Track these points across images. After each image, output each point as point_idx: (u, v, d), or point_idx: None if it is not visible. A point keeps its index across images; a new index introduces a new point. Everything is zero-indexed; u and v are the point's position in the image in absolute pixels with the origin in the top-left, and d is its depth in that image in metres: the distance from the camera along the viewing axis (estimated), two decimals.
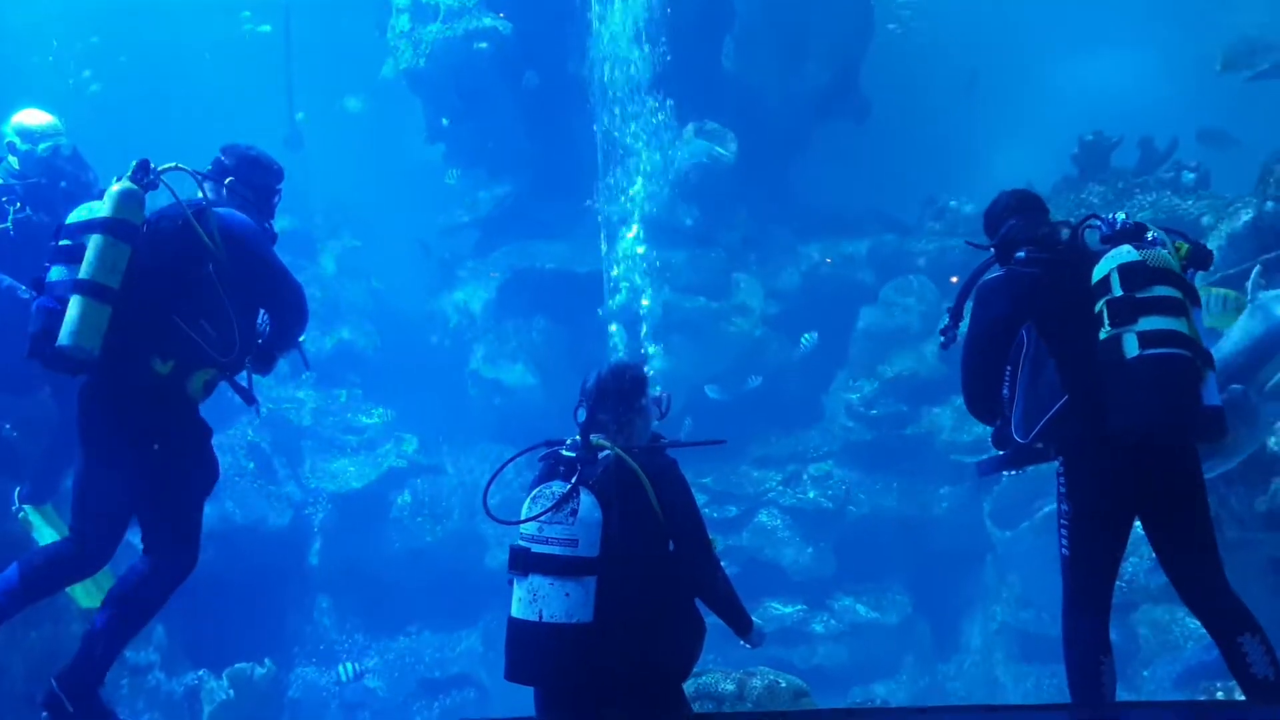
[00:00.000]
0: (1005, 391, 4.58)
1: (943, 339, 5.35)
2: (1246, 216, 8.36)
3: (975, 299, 4.68)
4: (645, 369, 4.80)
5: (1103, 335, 4.22)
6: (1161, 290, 4.20)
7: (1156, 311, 4.15)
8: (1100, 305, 4.27)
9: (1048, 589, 11.58)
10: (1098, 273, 4.37)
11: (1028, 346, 4.47)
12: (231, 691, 10.48)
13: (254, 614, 11.62)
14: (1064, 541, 4.39)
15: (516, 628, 4.07)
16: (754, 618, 4.57)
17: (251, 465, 12.17)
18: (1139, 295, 4.18)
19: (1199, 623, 4.41)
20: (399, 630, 12.74)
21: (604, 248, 12.19)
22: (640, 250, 12.26)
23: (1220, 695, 8.77)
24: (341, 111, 18.81)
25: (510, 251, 13.97)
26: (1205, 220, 9.45)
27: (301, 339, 5.33)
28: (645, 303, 12.01)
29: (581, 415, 4.39)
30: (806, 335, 12.82)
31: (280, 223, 5.28)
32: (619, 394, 4.42)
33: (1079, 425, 4.28)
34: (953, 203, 14.02)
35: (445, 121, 14.51)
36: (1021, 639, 11.88)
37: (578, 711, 4.13)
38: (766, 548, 12.63)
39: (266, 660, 11.09)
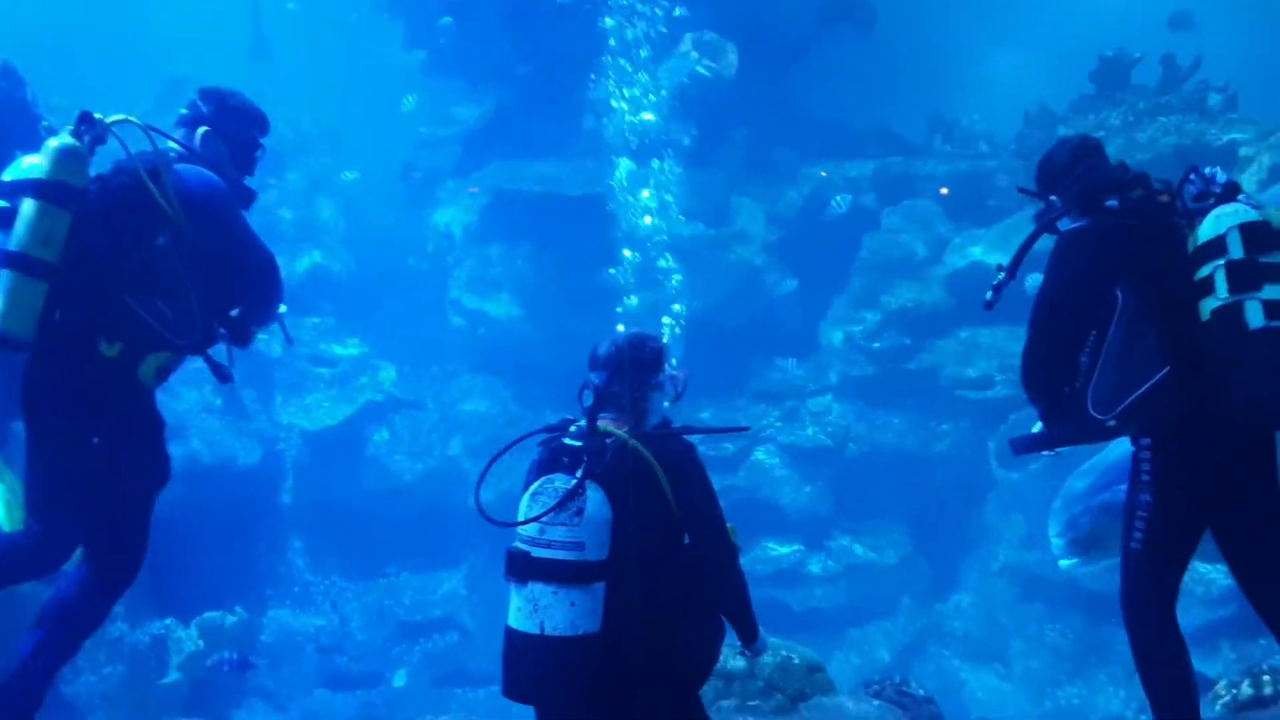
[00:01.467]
0: (1084, 359, 4.07)
1: (990, 296, 4.78)
2: None
3: (1057, 251, 4.15)
4: (663, 340, 4.29)
5: (1215, 303, 3.71)
6: None
7: None
8: (1211, 268, 3.76)
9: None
10: (1206, 231, 3.85)
11: (1123, 307, 3.95)
12: (201, 642, 10.06)
13: (224, 558, 11.17)
14: (1137, 535, 3.91)
15: (515, 641, 3.61)
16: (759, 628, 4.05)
17: (219, 401, 11.63)
18: (1264, 259, 3.67)
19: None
20: (377, 572, 12.35)
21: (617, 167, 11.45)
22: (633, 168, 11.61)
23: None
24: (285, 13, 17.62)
25: (495, 171, 13.22)
26: (1243, 151, 8.92)
27: (282, 310, 4.73)
28: (648, 220, 11.37)
29: (588, 398, 3.85)
30: (839, 198, 12.27)
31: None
32: (637, 368, 3.89)
33: (1180, 402, 3.79)
34: (964, 121, 13.40)
35: (447, 20, 13.41)
36: (1025, 580, 11.62)
37: None
38: (764, 486, 12.28)
39: (238, 608, 10.68)
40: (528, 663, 3.58)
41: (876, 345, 12.46)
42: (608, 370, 3.85)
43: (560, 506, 3.57)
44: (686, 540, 3.74)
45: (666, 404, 4.01)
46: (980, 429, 11.89)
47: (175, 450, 10.81)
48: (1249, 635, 8.38)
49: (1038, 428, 4.35)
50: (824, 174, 13.33)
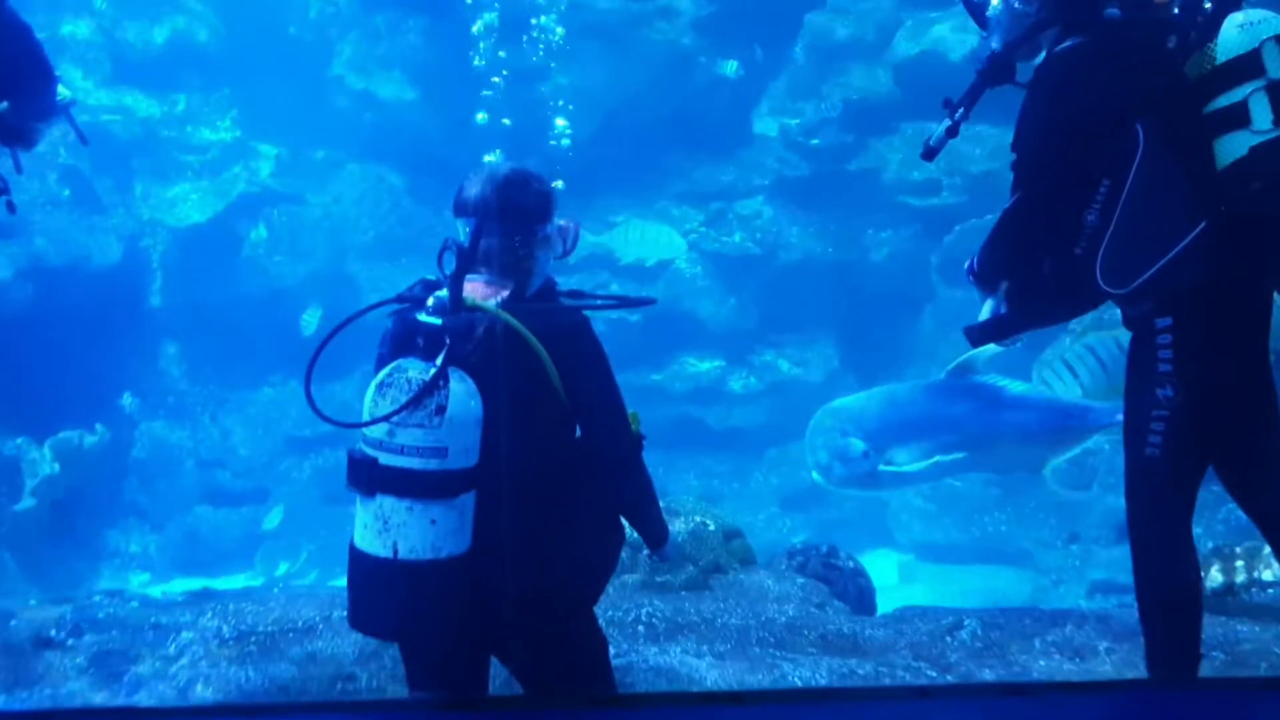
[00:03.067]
0: (1091, 218, 3.26)
1: (934, 141, 3.90)
2: None
3: (1054, 77, 3.27)
4: (552, 183, 3.38)
5: (1253, 139, 2.90)
6: None
7: None
8: (1242, 94, 2.92)
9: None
10: (1230, 45, 3.01)
11: (1144, 152, 3.12)
12: (56, 465, 9.25)
13: (84, 367, 10.24)
14: (1154, 440, 3.20)
15: (363, 565, 2.99)
16: (668, 524, 3.57)
17: (66, 193, 10.36)
18: None
19: None
20: (261, 382, 11.48)
21: None
22: None
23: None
24: None
25: None
26: None
27: (66, 97, 4.31)
28: None
29: (450, 262, 3.07)
30: (730, 64, 11.15)
31: None
32: (516, 217, 3.19)
33: (1219, 265, 3.02)
34: None
35: None
36: None
37: (455, 667, 3.19)
38: (684, 298, 11.49)
39: (98, 425, 9.84)
40: (380, 591, 3.00)
41: (815, 142, 11.46)
42: (477, 219, 3.16)
43: (415, 403, 2.92)
44: (578, 434, 3.20)
45: (554, 261, 3.32)
46: (923, 239, 11.13)
47: (15, 250, 9.55)
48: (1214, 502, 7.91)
49: (988, 309, 3.63)
50: None
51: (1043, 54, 3.44)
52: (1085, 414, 6.71)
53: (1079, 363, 7.19)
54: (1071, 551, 9.65)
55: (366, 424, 2.94)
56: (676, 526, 5.76)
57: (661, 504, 5.96)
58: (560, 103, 11.18)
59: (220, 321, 11.15)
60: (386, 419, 2.90)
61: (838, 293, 11.58)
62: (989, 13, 3.62)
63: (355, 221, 11.54)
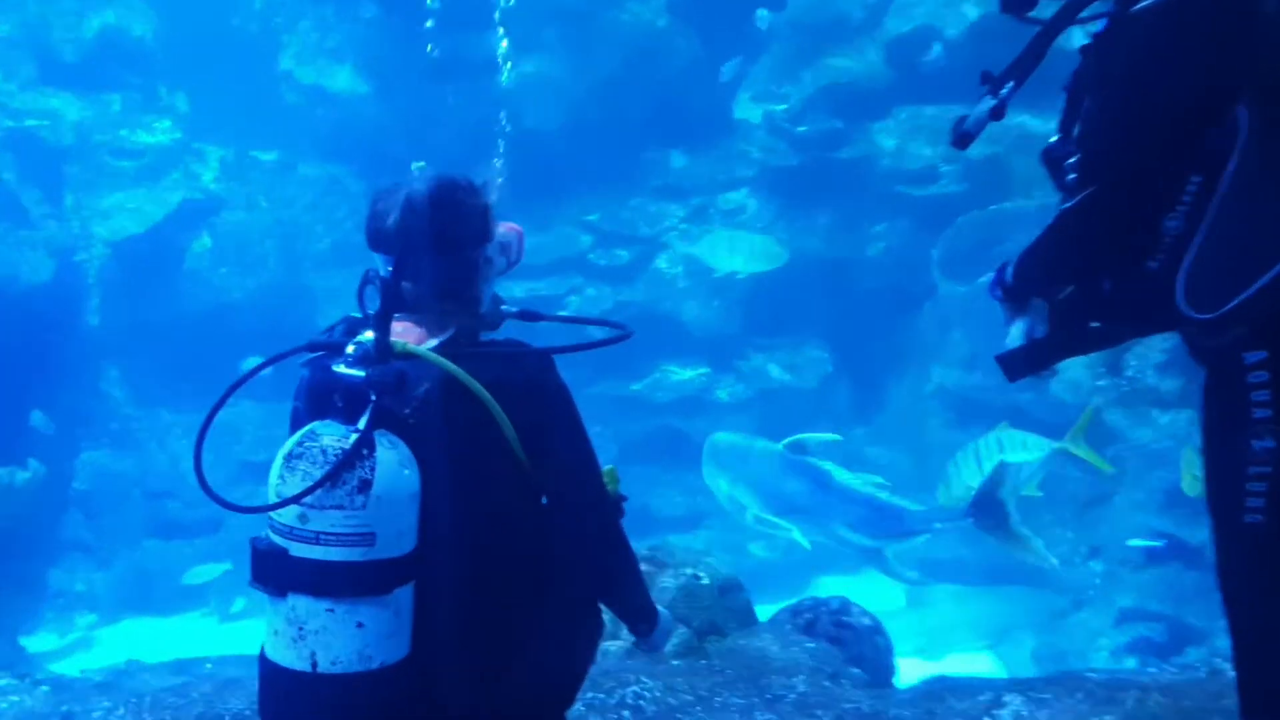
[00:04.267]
0: (1173, 224, 2.62)
1: (970, 125, 3.19)
2: None
3: (1122, 47, 2.60)
4: (486, 184, 2.73)
5: None
6: None
7: None
8: None
9: (997, 350, 10.29)
10: None
11: (1246, 141, 2.46)
12: None
13: (14, 397, 9.47)
14: (1255, 502, 2.51)
15: (275, 681, 2.46)
16: (659, 607, 2.95)
17: None
18: None
19: None
20: (211, 402, 10.69)
21: None
22: None
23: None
24: None
25: None
26: None
27: None
28: None
29: (374, 298, 2.55)
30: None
31: None
32: (450, 244, 2.62)
33: None
34: None
35: None
36: (961, 404, 10.48)
37: None
38: (664, 300, 10.82)
39: (30, 461, 9.07)
40: (298, 713, 2.46)
41: (803, 129, 10.74)
42: (401, 248, 2.57)
43: (332, 478, 2.37)
44: (544, 502, 2.64)
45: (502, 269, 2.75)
46: (921, 231, 10.44)
47: None
48: None
49: (1019, 332, 2.97)
50: None
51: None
52: (900, 517, 7.04)
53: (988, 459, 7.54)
54: (1091, 569, 9.01)
55: (271, 507, 2.36)
56: (664, 581, 5.08)
57: (646, 551, 5.34)
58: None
59: (164, 340, 10.42)
60: (296, 500, 2.33)
61: (830, 291, 10.88)
62: None
63: (309, 228, 10.81)
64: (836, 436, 8.16)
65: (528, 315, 2.80)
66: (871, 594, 9.97)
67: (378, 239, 2.59)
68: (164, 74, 11.24)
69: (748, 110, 11.31)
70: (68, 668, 8.73)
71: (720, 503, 7.85)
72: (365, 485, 2.35)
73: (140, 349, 10.49)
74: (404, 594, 2.42)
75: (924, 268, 10.40)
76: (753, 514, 7.38)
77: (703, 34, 11.11)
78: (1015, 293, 3.02)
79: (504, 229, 2.74)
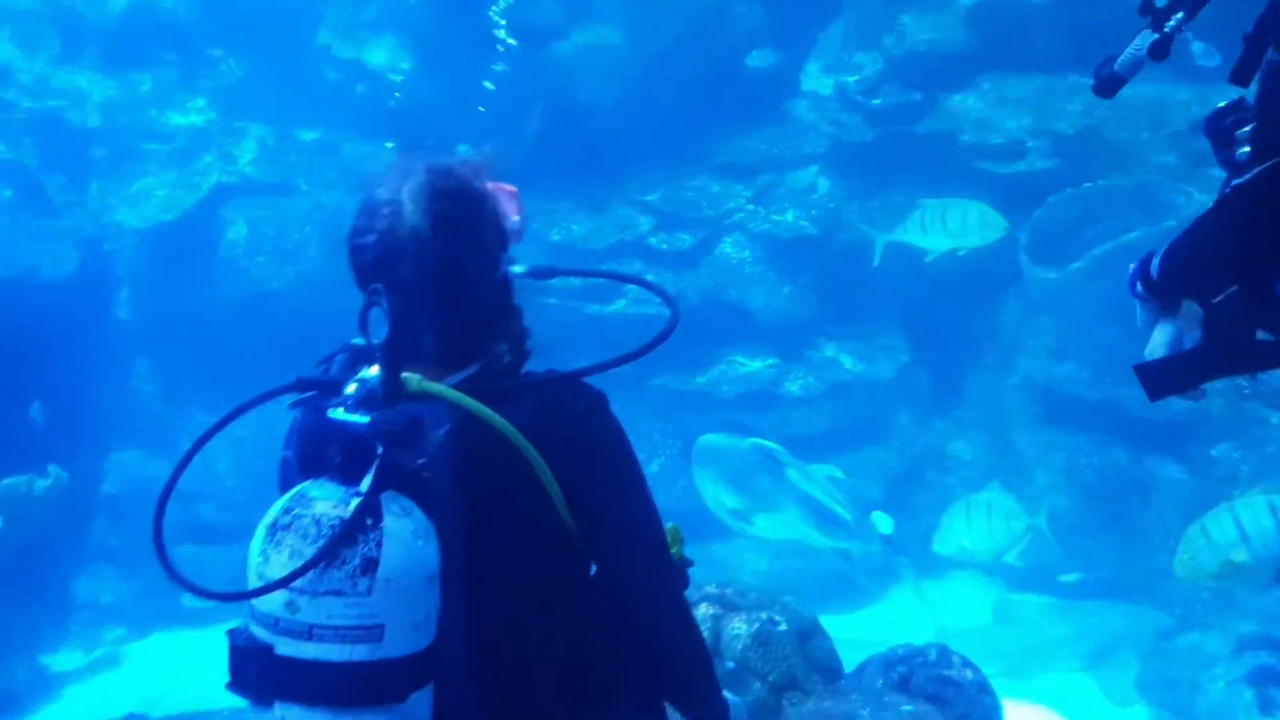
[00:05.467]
0: None
1: (1118, 68, 2.62)
2: None
3: None
4: (484, 183, 2.27)
5: None
6: None
7: None
8: None
9: (1093, 341, 9.44)
10: None
11: None
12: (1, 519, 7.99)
13: (41, 393, 8.99)
14: None
15: None
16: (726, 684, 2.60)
17: (9, 193, 9.02)
18: None
19: None
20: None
21: None
22: None
23: None
24: None
25: None
26: None
27: None
28: None
29: (380, 323, 2.09)
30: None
31: None
32: (458, 264, 2.18)
33: None
34: None
35: None
36: (1048, 399, 9.67)
37: None
38: (730, 286, 10.11)
39: (50, 467, 8.56)
40: None
41: (877, 102, 9.99)
42: (398, 268, 2.17)
43: (328, 556, 1.96)
44: (593, 571, 2.24)
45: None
46: (1007, 211, 9.59)
47: None
48: None
49: (1163, 338, 2.45)
50: None
51: None
52: (839, 525, 7.73)
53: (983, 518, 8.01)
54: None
55: (250, 594, 1.99)
56: (735, 627, 4.41)
57: (715, 589, 4.65)
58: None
59: (198, 334, 9.86)
60: (284, 584, 1.94)
61: (906, 277, 10.12)
62: None
63: (353, 213, 10.16)
64: (839, 473, 8.44)
65: (540, 273, 2.33)
66: (956, 606, 9.30)
67: (360, 255, 2.21)
68: (197, 51, 10.66)
69: (817, 81, 10.61)
70: (90, 691, 8.26)
71: (709, 505, 8.02)
72: (371, 565, 1.95)
73: (172, 343, 9.98)
74: (421, 701, 1.99)
75: (1010, 251, 9.60)
76: (726, 512, 7.75)
77: (767, 2, 10.39)
78: (1161, 291, 2.47)
79: (504, 204, 2.25)
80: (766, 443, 8.10)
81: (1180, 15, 2.51)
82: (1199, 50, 6.64)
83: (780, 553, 9.18)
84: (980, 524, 8.01)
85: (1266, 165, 2.25)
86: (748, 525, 7.86)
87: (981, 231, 9.10)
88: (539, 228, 9.54)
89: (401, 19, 10.04)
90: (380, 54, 10.07)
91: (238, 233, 9.88)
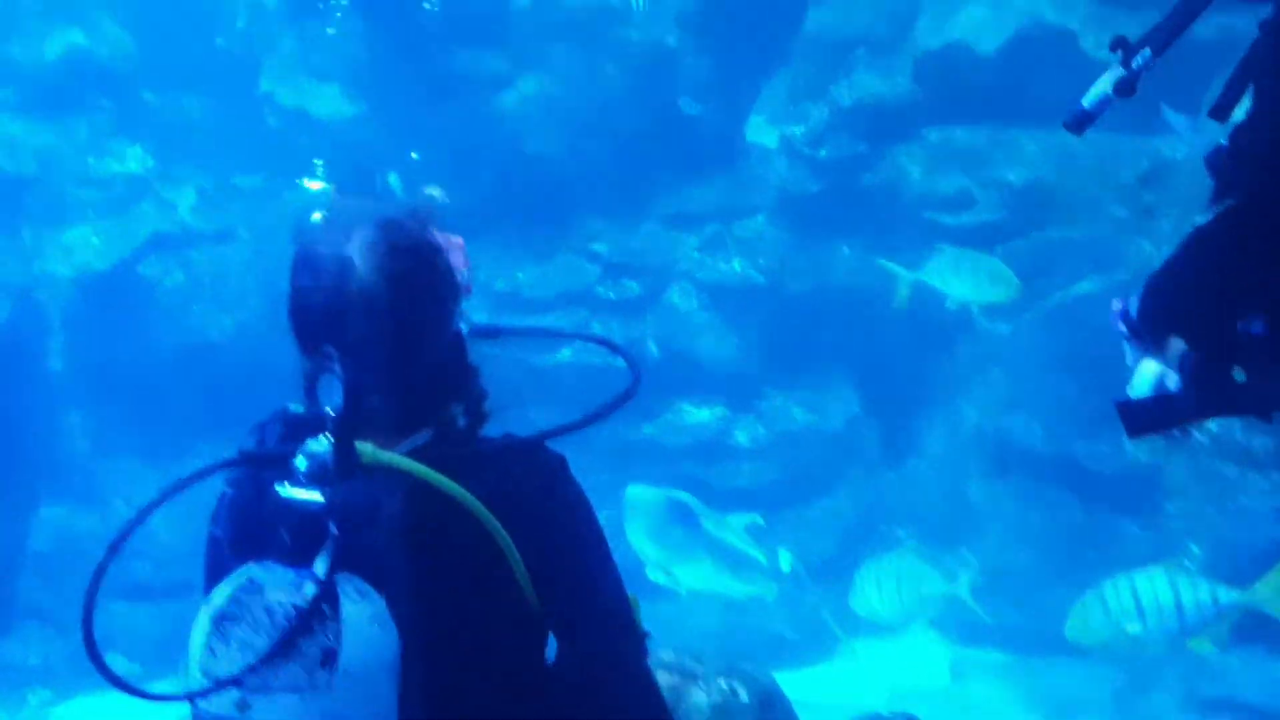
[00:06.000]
0: None
1: (1086, 104, 2.60)
2: None
3: None
4: (435, 236, 2.13)
5: None
6: None
7: None
8: None
9: (1044, 392, 9.45)
10: None
11: None
12: None
13: None
14: None
15: None
16: None
17: None
18: None
19: None
20: (184, 452, 9.84)
21: None
22: None
23: None
24: None
25: None
26: None
27: None
28: None
29: (334, 388, 1.97)
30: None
31: None
32: (410, 321, 2.04)
33: None
34: None
35: None
36: (1000, 449, 9.67)
37: None
38: (678, 335, 10.08)
39: None
40: None
41: (823, 153, 10.02)
42: (346, 329, 1.99)
43: (284, 648, 1.85)
44: (552, 645, 2.12)
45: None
46: None
47: None
48: None
49: (1148, 377, 2.43)
50: None
51: None
52: (754, 569, 8.05)
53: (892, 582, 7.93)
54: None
55: (197, 695, 1.88)
56: (695, 697, 4.28)
57: (671, 657, 4.50)
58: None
59: (133, 385, 9.61)
60: (234, 682, 1.84)
61: (856, 326, 10.14)
62: None
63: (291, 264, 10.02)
64: (760, 520, 8.52)
65: (488, 331, 2.20)
66: (913, 664, 9.18)
67: (303, 316, 2.04)
68: (136, 97, 10.51)
69: (763, 132, 10.64)
70: None
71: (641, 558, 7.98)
72: (329, 656, 1.83)
73: (106, 395, 9.73)
74: None
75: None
76: (654, 568, 7.77)
77: (714, 54, 10.43)
78: (1142, 330, 2.44)
79: (463, 266, 2.12)
80: (680, 494, 8.06)
81: (1148, 52, 2.48)
82: (1182, 123, 6.76)
83: (729, 608, 9.03)
84: (890, 589, 7.89)
85: (1228, 203, 2.23)
86: (675, 584, 7.85)
87: (1002, 288, 8.83)
88: (484, 277, 9.43)
89: (347, 64, 9.96)
90: (324, 101, 9.98)
91: (175, 281, 9.69)
